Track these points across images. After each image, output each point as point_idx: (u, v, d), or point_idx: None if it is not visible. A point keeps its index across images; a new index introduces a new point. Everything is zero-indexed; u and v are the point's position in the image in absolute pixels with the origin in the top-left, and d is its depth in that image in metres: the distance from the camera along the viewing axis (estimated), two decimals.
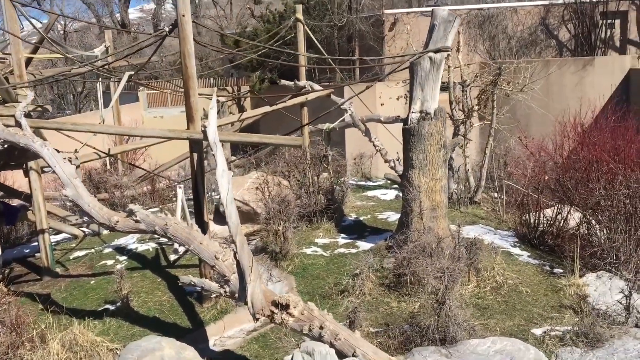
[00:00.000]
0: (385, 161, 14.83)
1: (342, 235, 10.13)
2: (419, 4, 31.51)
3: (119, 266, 8.34)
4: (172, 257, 9.92)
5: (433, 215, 8.56)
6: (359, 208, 11.73)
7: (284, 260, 9.11)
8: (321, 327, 5.49)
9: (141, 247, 10.51)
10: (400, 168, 15.29)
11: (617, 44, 22.38)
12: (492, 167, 12.60)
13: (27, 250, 11.80)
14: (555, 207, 9.40)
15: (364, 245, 9.56)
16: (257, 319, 5.75)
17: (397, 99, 14.43)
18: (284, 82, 13.57)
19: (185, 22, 7.44)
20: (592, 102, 14.59)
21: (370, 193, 13.27)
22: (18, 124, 7.53)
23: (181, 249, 9.87)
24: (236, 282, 6.21)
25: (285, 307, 5.67)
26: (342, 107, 14.14)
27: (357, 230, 10.38)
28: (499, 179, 11.62)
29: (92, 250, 10.98)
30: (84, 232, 11.90)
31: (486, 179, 12.15)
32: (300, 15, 13.26)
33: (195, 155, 7.71)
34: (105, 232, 12.20)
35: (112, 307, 8.31)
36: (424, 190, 8.53)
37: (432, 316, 6.26)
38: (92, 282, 9.43)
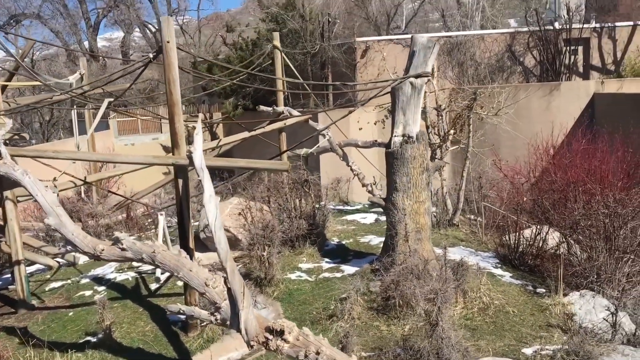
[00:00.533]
0: (363, 185, 14.94)
1: (326, 259, 10.11)
2: (386, 33, 32.23)
3: (98, 297, 8.12)
4: (153, 286, 9.72)
5: (418, 238, 8.62)
6: (340, 232, 11.74)
7: (268, 286, 9.02)
8: (317, 353, 5.43)
9: (120, 277, 10.28)
10: (377, 192, 15.46)
11: (581, 69, 23.15)
12: (468, 190, 12.80)
13: None
14: (535, 228, 9.57)
15: (348, 269, 9.55)
16: (251, 346, 5.66)
17: (375, 124, 14.56)
18: (262, 107, 13.61)
19: (170, 49, 7.43)
20: (561, 125, 15.03)
21: (349, 217, 13.30)
22: None
23: (163, 277, 9.70)
24: (227, 309, 6.12)
25: (280, 333, 5.60)
26: (320, 132, 14.27)
27: (341, 254, 10.37)
28: (476, 201, 11.80)
29: (69, 281, 10.69)
30: (58, 262, 11.60)
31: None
32: (277, 42, 13.39)
33: (180, 181, 7.63)
34: (81, 262, 11.93)
35: (93, 339, 8.07)
36: (408, 212, 8.61)
37: (426, 338, 6.27)
38: (70, 313, 9.16)
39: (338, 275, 9.36)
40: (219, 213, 6.95)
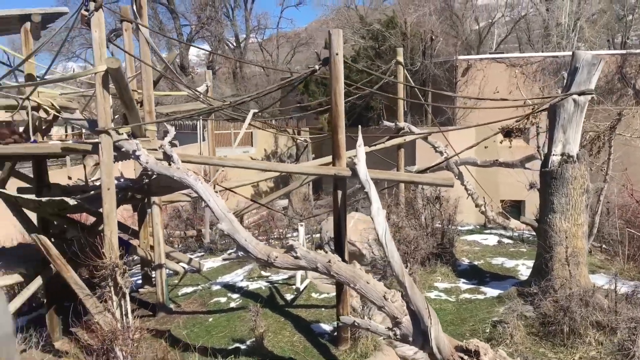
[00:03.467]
0: (477, 205, 14.61)
1: (462, 280, 9.82)
2: (476, 52, 31.66)
3: (252, 306, 8.15)
4: (288, 296, 9.71)
5: (575, 262, 8.22)
6: (467, 252, 11.42)
7: None
8: None
9: (252, 285, 10.35)
10: (490, 213, 15.01)
11: None
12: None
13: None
14: None
15: (490, 291, 9.24)
16: None
17: (501, 142, 14.10)
18: (386, 123, 13.53)
19: (338, 61, 7.45)
20: None
21: (468, 237, 12.95)
22: (167, 158, 7.56)
23: (302, 287, 9.67)
24: (409, 324, 5.97)
25: (475, 354, 5.40)
26: (437, 150, 14.06)
27: (475, 275, 10.06)
28: (615, 227, 11.21)
29: (200, 287, 10.88)
30: (184, 268, 11.86)
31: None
32: (400, 58, 13.31)
33: (339, 193, 7.59)
34: (206, 269, 12.16)
35: (243, 346, 8.10)
36: (565, 235, 8.23)
37: None
38: (210, 319, 9.26)
39: (480, 297, 9.06)
40: (387, 226, 6.83)
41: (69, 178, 10.34)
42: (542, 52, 28.25)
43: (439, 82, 22.19)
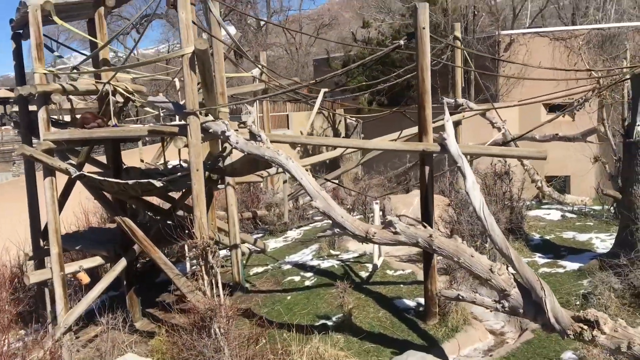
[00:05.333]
0: (533, 181, 14.49)
1: (538, 254, 9.79)
2: (511, 28, 31.10)
3: (339, 282, 8.23)
4: (363, 274, 9.77)
5: None
6: (535, 227, 11.35)
7: None
8: None
9: (324, 264, 10.42)
10: (547, 188, 14.87)
11: None
12: None
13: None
14: None
15: (568, 264, 9.20)
16: (567, 336, 5.47)
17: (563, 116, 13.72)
18: (446, 99, 13.40)
19: (424, 35, 7.40)
20: None
21: (530, 213, 12.85)
22: (253, 137, 7.60)
23: (378, 262, 9.70)
24: (518, 297, 5.99)
25: (594, 324, 5.39)
26: (495, 125, 13.93)
27: (550, 249, 10.01)
28: None
29: (269, 267, 10.99)
30: (249, 249, 12.00)
31: None
32: (458, 33, 13.16)
33: (427, 168, 7.58)
34: (270, 249, 12.27)
35: (329, 323, 8.19)
36: None
37: None
38: (288, 297, 9.37)
39: (560, 270, 9.03)
40: (484, 200, 6.82)
41: (141, 161, 10.47)
42: (577, 25, 27.71)
43: (482, 58, 21.88)
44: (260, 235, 14.02)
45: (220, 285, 7.85)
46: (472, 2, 25.62)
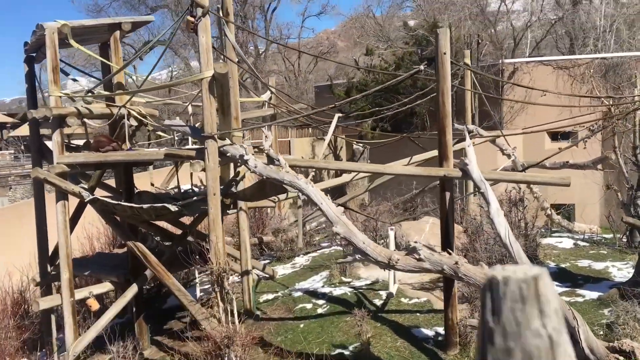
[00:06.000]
0: (542, 209, 14.40)
1: (555, 283, 9.62)
2: (511, 57, 31.42)
3: (357, 310, 8.05)
4: (377, 302, 9.59)
5: None
6: (549, 255, 11.22)
7: None
8: None
9: (336, 292, 10.24)
10: (556, 217, 14.78)
11: None
12: None
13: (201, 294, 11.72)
14: None
15: (587, 293, 9.04)
16: None
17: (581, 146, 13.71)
18: (457, 126, 13.39)
19: (445, 60, 7.39)
20: None
21: (543, 241, 12.72)
22: (271, 161, 7.52)
23: (393, 289, 9.52)
24: None
25: (629, 355, 5.24)
26: (504, 152, 13.90)
27: (567, 278, 9.85)
28: None
29: (280, 294, 10.80)
30: (258, 275, 11.80)
31: None
32: (468, 60, 13.22)
33: (447, 194, 7.49)
34: (279, 275, 12.09)
35: (346, 352, 8.00)
36: None
37: None
38: (301, 325, 9.17)
39: (579, 299, 8.86)
40: (509, 226, 6.72)
41: (152, 185, 10.35)
42: (577, 54, 27.98)
43: (486, 86, 22.00)
44: (267, 261, 13.83)
45: (235, 312, 7.68)
46: (475, 30, 25.95)
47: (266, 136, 8.09)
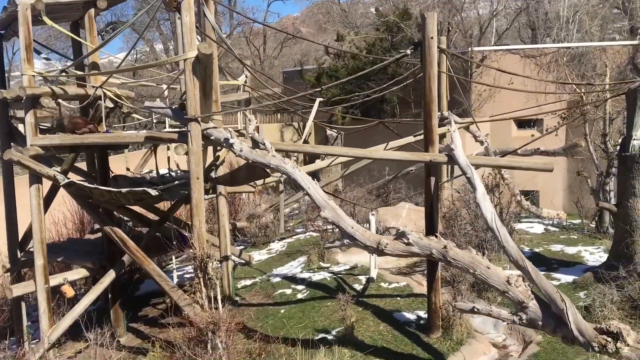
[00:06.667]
0: (513, 195, 14.66)
1: None
2: (478, 45, 31.74)
3: (341, 295, 8.02)
4: (357, 287, 9.61)
5: None
6: (522, 240, 11.43)
7: (488, 291, 8.81)
8: None
9: (315, 277, 10.22)
10: (525, 202, 15.08)
11: None
12: None
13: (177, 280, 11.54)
14: None
15: (562, 277, 9.26)
16: (591, 348, 5.43)
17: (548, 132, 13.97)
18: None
19: (432, 45, 7.37)
20: None
21: (515, 226, 12.96)
22: (256, 145, 7.40)
23: (374, 274, 9.56)
24: (536, 309, 5.93)
25: (616, 336, 5.36)
26: (477, 139, 14.07)
27: (541, 262, 10.05)
28: None
29: (258, 280, 10.72)
30: (234, 261, 11.68)
31: None
32: (443, 46, 13.25)
33: (432, 179, 7.51)
34: (255, 261, 12.00)
35: (329, 337, 7.99)
36: None
37: None
38: (282, 310, 9.12)
39: (555, 283, 9.04)
40: (495, 211, 6.79)
41: (127, 169, 10.08)
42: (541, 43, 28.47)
43: (455, 73, 22.21)
44: (241, 247, 13.70)
45: (219, 297, 7.57)
46: (445, 18, 26.08)
47: (249, 120, 7.95)
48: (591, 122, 12.29)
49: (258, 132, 7.79)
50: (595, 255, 10.17)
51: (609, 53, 22.35)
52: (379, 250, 6.57)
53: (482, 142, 13.78)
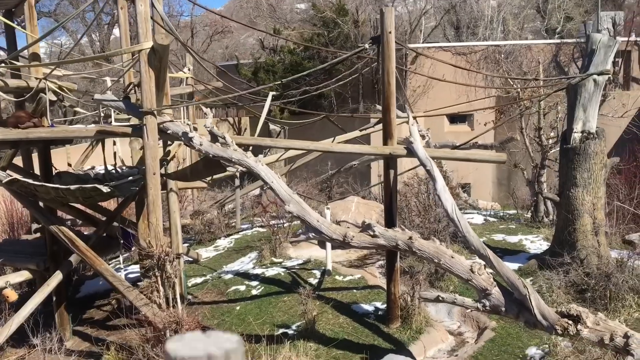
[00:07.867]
0: (451, 187, 15.14)
1: (473, 257, 10.16)
2: (408, 42, 32.50)
3: (306, 289, 8.00)
4: (312, 281, 9.62)
5: (596, 232, 8.78)
6: None
7: (441, 280, 9.09)
8: (626, 337, 5.48)
9: (268, 272, 10.14)
10: (463, 194, 15.61)
11: (621, 80, 23.84)
12: None
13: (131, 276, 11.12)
14: None
15: (508, 265, 9.55)
16: (554, 331, 5.68)
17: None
18: (378, 107, 13.65)
19: (390, 40, 7.47)
20: None
21: None
22: (215, 139, 7.24)
23: (329, 268, 9.58)
24: (499, 295, 6.16)
25: (576, 318, 5.65)
26: (420, 133, 14.37)
27: None
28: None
29: (209, 277, 10.52)
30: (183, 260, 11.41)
31: None
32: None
33: (392, 172, 7.63)
34: (204, 259, 11.76)
35: (290, 331, 7.96)
36: (587, 208, 8.76)
37: None
38: (237, 308, 9.00)
39: None
40: (454, 202, 6.99)
41: (69, 165, 9.61)
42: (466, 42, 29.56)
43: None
44: (187, 245, 13.38)
45: (178, 296, 7.38)
46: (374, 15, 26.50)
47: (206, 113, 7.77)
48: (526, 116, 12.88)
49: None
50: (536, 243, 10.67)
51: (534, 51, 23.48)
52: (345, 243, 6.61)
53: (423, 137, 14.09)
